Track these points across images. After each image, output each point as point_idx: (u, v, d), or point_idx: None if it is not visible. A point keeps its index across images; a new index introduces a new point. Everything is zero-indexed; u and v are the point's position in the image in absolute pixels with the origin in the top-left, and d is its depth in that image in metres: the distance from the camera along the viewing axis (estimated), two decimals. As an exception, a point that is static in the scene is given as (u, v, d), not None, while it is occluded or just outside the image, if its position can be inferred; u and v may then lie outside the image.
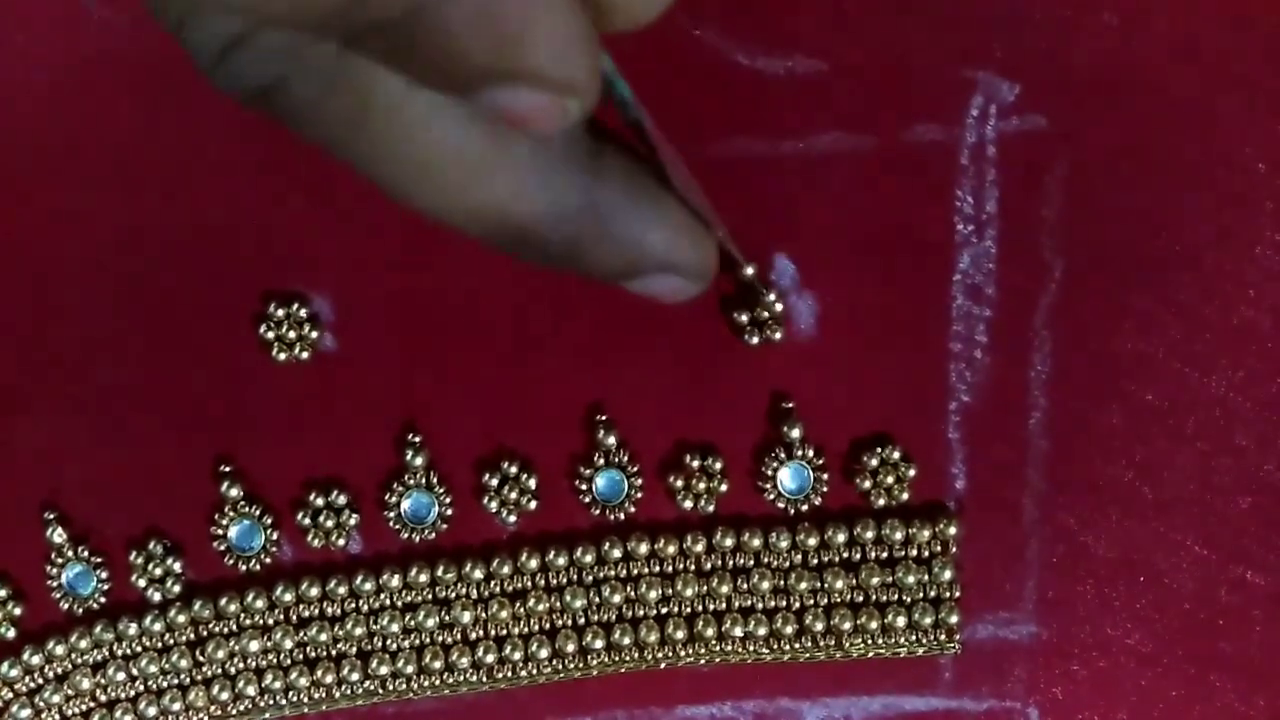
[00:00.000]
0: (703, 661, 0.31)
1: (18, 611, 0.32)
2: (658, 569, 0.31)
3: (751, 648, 0.31)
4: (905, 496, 0.32)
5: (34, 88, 0.32)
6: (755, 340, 0.31)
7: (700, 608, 0.31)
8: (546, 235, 0.21)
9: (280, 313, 0.31)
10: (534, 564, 0.31)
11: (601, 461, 0.31)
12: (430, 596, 0.31)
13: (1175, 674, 0.32)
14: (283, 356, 0.31)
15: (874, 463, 0.31)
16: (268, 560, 0.32)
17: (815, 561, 0.32)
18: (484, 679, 0.31)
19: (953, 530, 0.31)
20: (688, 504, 0.31)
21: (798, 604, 0.31)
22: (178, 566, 0.32)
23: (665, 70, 0.31)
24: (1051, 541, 0.32)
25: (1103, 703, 0.32)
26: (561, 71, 0.18)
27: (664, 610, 0.31)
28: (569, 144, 0.21)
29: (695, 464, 0.31)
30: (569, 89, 0.18)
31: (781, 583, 0.31)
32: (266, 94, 0.20)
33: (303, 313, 0.31)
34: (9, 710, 0.31)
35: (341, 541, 0.32)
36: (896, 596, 0.31)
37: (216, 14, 0.19)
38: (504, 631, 0.31)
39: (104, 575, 0.32)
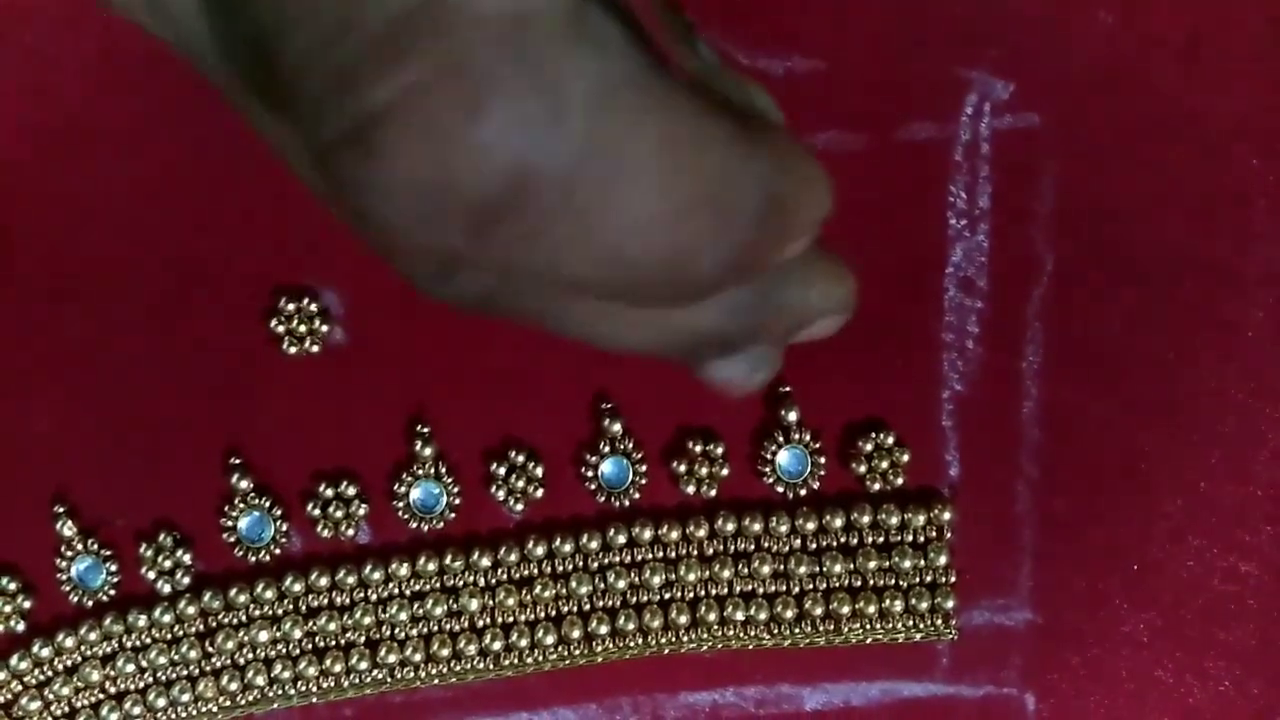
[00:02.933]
0: (705, 647, 0.32)
1: (27, 604, 0.32)
2: (661, 554, 0.32)
3: (753, 632, 0.32)
4: (900, 481, 0.32)
5: (44, 84, 0.32)
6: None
7: (703, 592, 0.32)
8: (729, 333, 0.21)
9: (290, 307, 0.32)
10: (540, 551, 0.32)
11: (607, 448, 0.32)
12: (438, 585, 0.32)
13: (1170, 661, 0.32)
14: (293, 350, 0.32)
15: (869, 447, 0.32)
16: (277, 551, 0.32)
17: (814, 546, 0.32)
18: (491, 666, 0.32)
19: (947, 515, 0.32)
20: (690, 489, 0.32)
21: (797, 588, 0.32)
22: (187, 558, 0.32)
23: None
24: (1046, 529, 0.32)
25: (1098, 689, 0.32)
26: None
27: (667, 595, 0.32)
28: None
29: (697, 449, 0.32)
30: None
31: (781, 567, 0.32)
32: (482, 302, 0.20)
33: (313, 307, 0.32)
34: (19, 702, 0.31)
35: (350, 532, 0.32)
36: (893, 581, 0.32)
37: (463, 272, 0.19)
38: (511, 619, 0.32)
39: (113, 568, 0.32)
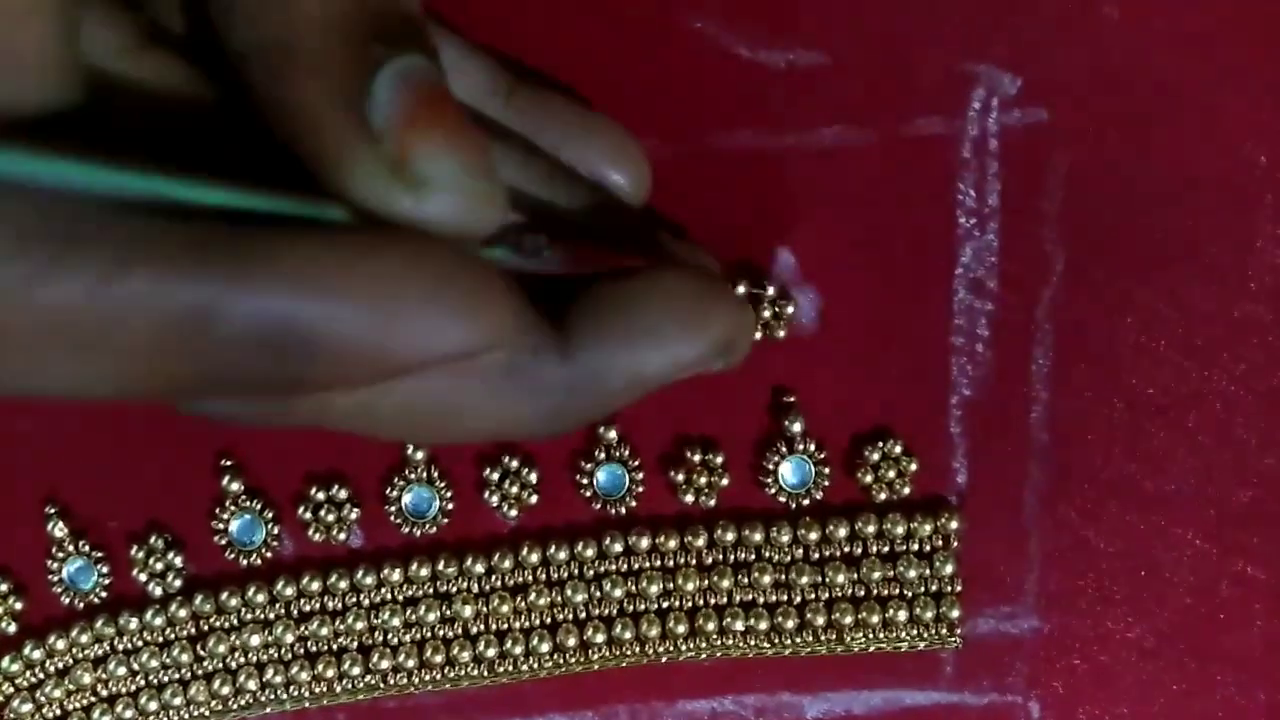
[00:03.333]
0: (704, 656, 0.32)
1: (19, 606, 0.32)
2: (659, 563, 0.31)
3: (753, 642, 0.31)
4: (907, 491, 0.32)
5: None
6: (757, 336, 0.31)
7: (701, 602, 0.31)
8: (559, 429, 0.21)
9: (281, 307, 0.31)
10: (535, 558, 0.31)
11: (602, 456, 0.31)
12: (431, 591, 0.31)
13: (1176, 668, 0.32)
14: (283, 351, 0.31)
15: (875, 457, 0.31)
16: (269, 554, 0.32)
17: (816, 556, 0.32)
18: (485, 673, 0.31)
19: (954, 524, 0.31)
20: (689, 498, 0.31)
21: (799, 598, 0.31)
22: (179, 561, 0.32)
23: (667, 63, 0.31)
24: (1053, 535, 0.32)
25: (1104, 697, 0.32)
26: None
27: (665, 604, 0.31)
28: (534, 348, 0.20)
29: (696, 458, 0.31)
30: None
31: (783, 577, 0.31)
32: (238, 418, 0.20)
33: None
34: (10, 705, 0.31)
35: (343, 536, 0.32)
36: (898, 591, 0.31)
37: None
38: (505, 626, 0.31)
39: (105, 570, 0.32)
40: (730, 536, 0.31)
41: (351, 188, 0.17)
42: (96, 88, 0.18)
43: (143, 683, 0.31)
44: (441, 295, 0.17)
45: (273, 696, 0.31)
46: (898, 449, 0.31)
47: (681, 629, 0.31)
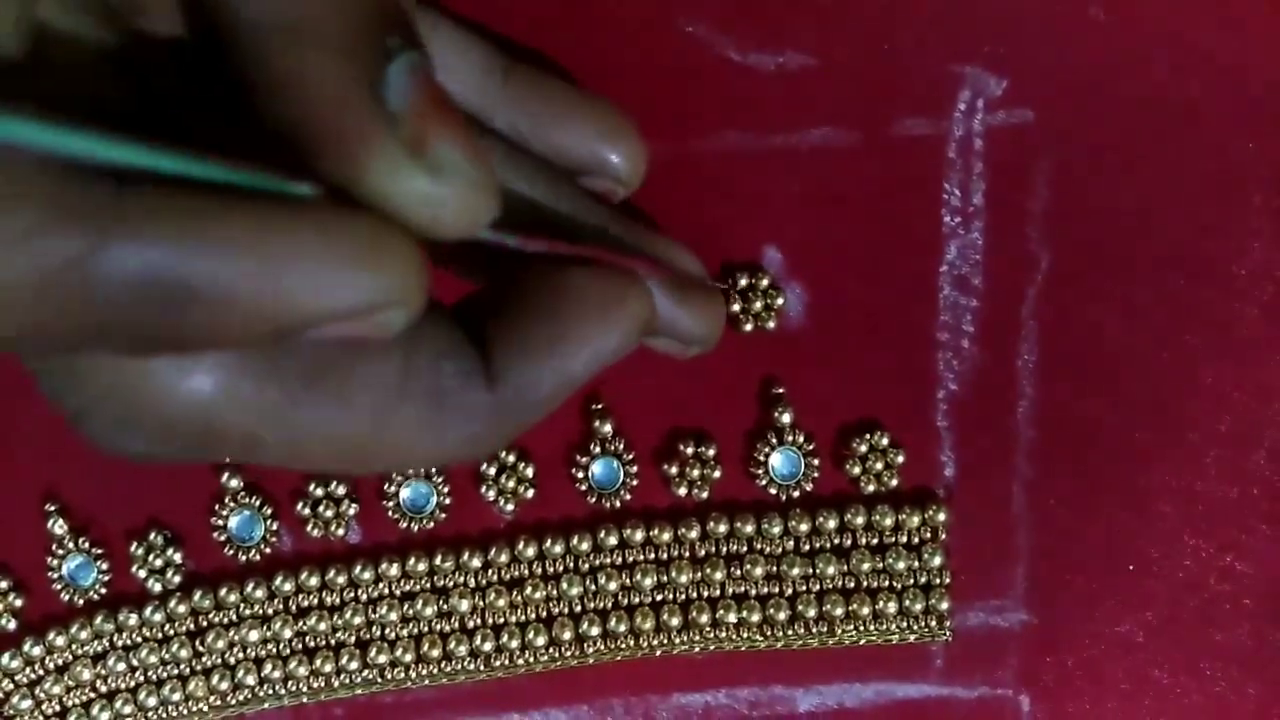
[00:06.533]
0: (697, 648, 0.32)
1: (19, 603, 0.32)
2: (653, 556, 0.32)
3: (745, 634, 0.32)
4: (894, 483, 0.32)
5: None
6: (748, 328, 0.32)
7: (695, 594, 0.32)
8: (481, 452, 0.21)
9: (280, 305, 0.32)
10: (531, 552, 0.32)
11: (598, 449, 0.32)
12: (428, 585, 0.32)
13: (1166, 662, 0.32)
14: (282, 349, 0.32)
15: (863, 449, 0.32)
16: (267, 550, 0.32)
17: (807, 548, 0.32)
18: (481, 667, 0.32)
19: (942, 517, 0.32)
20: (682, 491, 0.32)
21: (790, 590, 0.32)
22: (178, 557, 0.32)
23: (658, 65, 0.31)
24: (1041, 529, 0.32)
25: (1093, 691, 0.32)
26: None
27: (659, 597, 0.32)
28: (460, 373, 0.21)
29: (689, 451, 0.32)
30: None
31: (774, 569, 0.32)
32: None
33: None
34: (10, 701, 0.31)
35: (340, 531, 0.32)
36: (887, 583, 0.32)
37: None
38: (501, 620, 0.32)
39: (104, 566, 0.32)
40: (723, 529, 0.32)
41: (369, 167, 0.17)
42: (39, 42, 0.18)
43: (142, 678, 0.32)
44: (334, 244, 0.17)
45: (271, 692, 0.32)
46: (885, 441, 0.32)
47: (675, 621, 0.31)
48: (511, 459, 0.32)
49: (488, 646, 0.32)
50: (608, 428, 0.32)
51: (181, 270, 0.16)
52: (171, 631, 0.32)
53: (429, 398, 0.20)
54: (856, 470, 0.32)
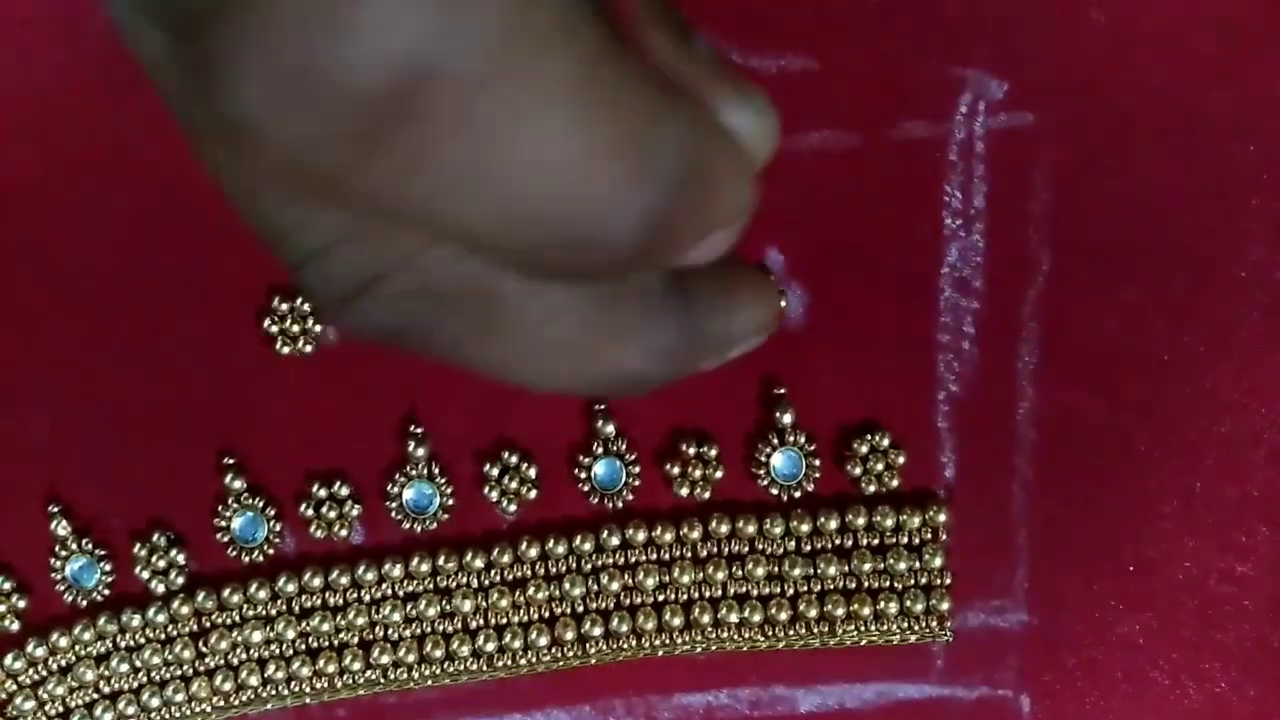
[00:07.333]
0: (699, 648, 0.32)
1: (22, 604, 0.32)
2: (655, 556, 0.32)
3: (747, 634, 0.32)
4: (895, 483, 0.32)
5: (37, 83, 0.32)
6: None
7: (696, 595, 0.32)
8: (658, 376, 0.21)
9: (284, 306, 0.32)
10: (534, 552, 0.32)
11: (600, 450, 0.32)
12: (431, 586, 0.32)
13: (1166, 663, 0.32)
14: (286, 350, 0.32)
15: (864, 449, 0.32)
16: (270, 551, 0.32)
17: (808, 548, 0.32)
18: (484, 667, 0.32)
19: (942, 517, 0.32)
20: (684, 491, 0.32)
21: (791, 590, 0.32)
22: (181, 558, 0.32)
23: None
24: (1041, 530, 0.32)
25: (1094, 691, 0.32)
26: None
27: (661, 597, 0.32)
28: (665, 284, 0.20)
29: (691, 451, 0.32)
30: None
31: (776, 569, 0.32)
32: (396, 334, 0.18)
33: (306, 306, 0.32)
34: (13, 702, 0.31)
35: (344, 532, 0.32)
36: (888, 583, 0.32)
37: (351, 255, 0.17)
38: (504, 620, 0.32)
39: (107, 567, 0.32)
40: (724, 529, 0.32)
41: (719, 110, 0.18)
42: None
43: (145, 679, 0.32)
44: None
45: (274, 692, 0.32)
46: (886, 442, 0.32)
47: (677, 621, 0.32)
48: (514, 459, 0.32)
49: (490, 647, 0.32)
50: (610, 428, 0.32)
51: (706, 162, 0.17)
52: (174, 632, 0.32)
53: (637, 299, 0.19)
54: (857, 471, 0.32)
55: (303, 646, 0.32)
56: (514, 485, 0.32)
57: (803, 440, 0.32)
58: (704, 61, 0.18)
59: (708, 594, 0.32)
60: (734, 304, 0.21)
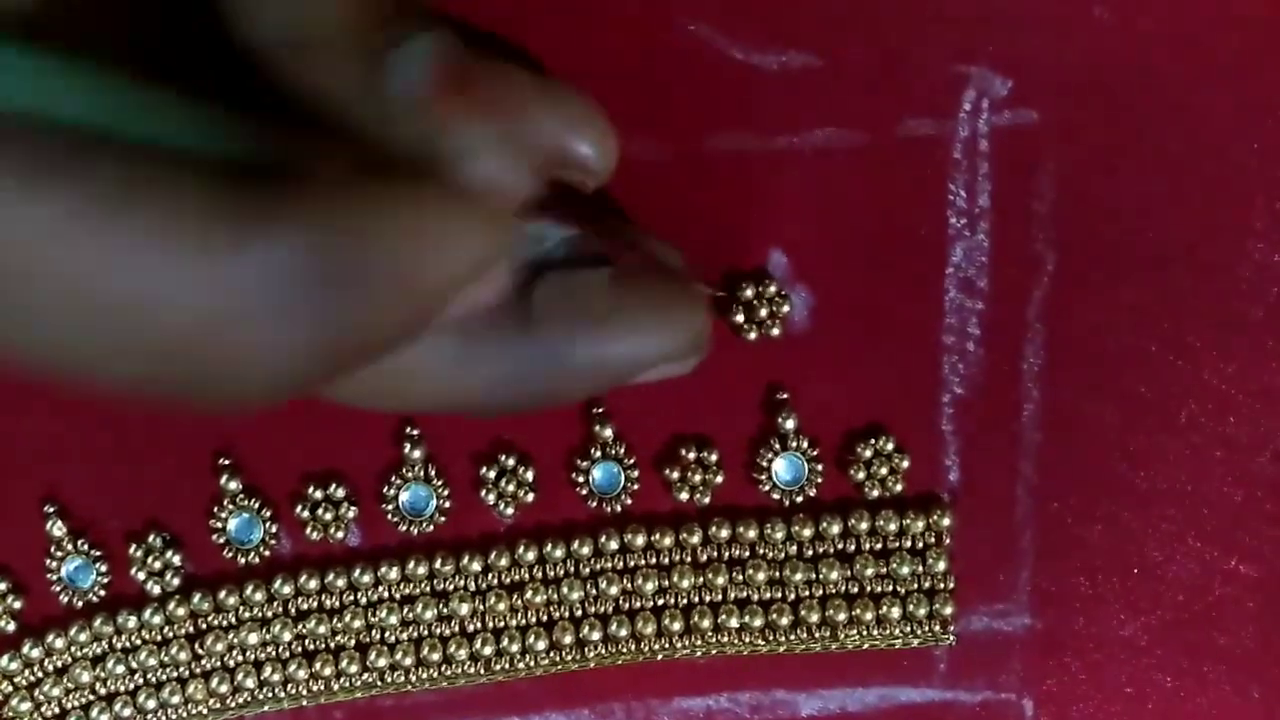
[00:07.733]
0: (699, 653, 0.32)
1: (17, 605, 0.32)
2: (654, 561, 0.32)
3: (747, 639, 0.32)
4: (899, 488, 0.32)
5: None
6: (753, 336, 0.31)
7: (696, 599, 0.32)
8: (508, 402, 0.21)
9: (279, 307, 0.32)
10: (531, 556, 0.32)
11: (598, 454, 0.32)
12: (428, 589, 0.32)
13: (1170, 666, 0.32)
14: (282, 350, 0.32)
15: (868, 454, 0.32)
16: (266, 553, 0.32)
17: (810, 553, 0.32)
18: (481, 671, 0.32)
19: (946, 521, 0.32)
20: (683, 496, 0.32)
21: (793, 595, 0.32)
22: (177, 560, 0.32)
23: (660, 65, 0.31)
24: (1045, 533, 0.32)
25: (1097, 695, 0.32)
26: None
27: (660, 602, 0.32)
28: (519, 314, 0.20)
29: (690, 456, 0.32)
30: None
31: (777, 574, 0.32)
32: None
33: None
34: (9, 703, 0.31)
35: (340, 534, 0.32)
36: (891, 588, 0.32)
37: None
38: (501, 624, 0.32)
39: (103, 568, 0.32)
40: (725, 534, 0.32)
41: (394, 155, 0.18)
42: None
43: (141, 681, 0.32)
44: (462, 205, 0.17)
45: (270, 695, 0.32)
46: (890, 446, 0.32)
47: (677, 626, 0.31)
48: (511, 462, 0.32)
49: (488, 650, 0.31)
50: (608, 432, 0.32)
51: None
52: (170, 634, 0.32)
53: (456, 333, 0.20)
54: (861, 475, 0.32)
55: (299, 649, 0.32)
56: (511, 488, 0.32)
57: (805, 445, 0.32)
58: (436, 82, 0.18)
59: (708, 599, 0.32)
60: (606, 336, 0.21)
